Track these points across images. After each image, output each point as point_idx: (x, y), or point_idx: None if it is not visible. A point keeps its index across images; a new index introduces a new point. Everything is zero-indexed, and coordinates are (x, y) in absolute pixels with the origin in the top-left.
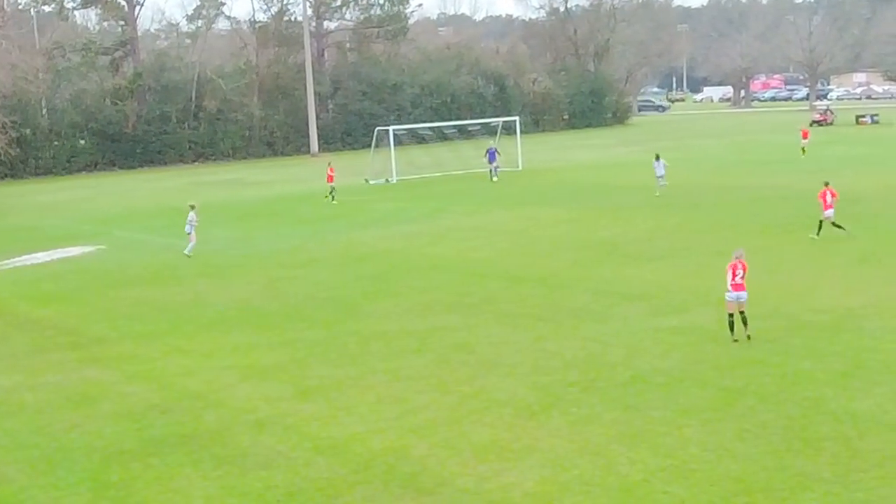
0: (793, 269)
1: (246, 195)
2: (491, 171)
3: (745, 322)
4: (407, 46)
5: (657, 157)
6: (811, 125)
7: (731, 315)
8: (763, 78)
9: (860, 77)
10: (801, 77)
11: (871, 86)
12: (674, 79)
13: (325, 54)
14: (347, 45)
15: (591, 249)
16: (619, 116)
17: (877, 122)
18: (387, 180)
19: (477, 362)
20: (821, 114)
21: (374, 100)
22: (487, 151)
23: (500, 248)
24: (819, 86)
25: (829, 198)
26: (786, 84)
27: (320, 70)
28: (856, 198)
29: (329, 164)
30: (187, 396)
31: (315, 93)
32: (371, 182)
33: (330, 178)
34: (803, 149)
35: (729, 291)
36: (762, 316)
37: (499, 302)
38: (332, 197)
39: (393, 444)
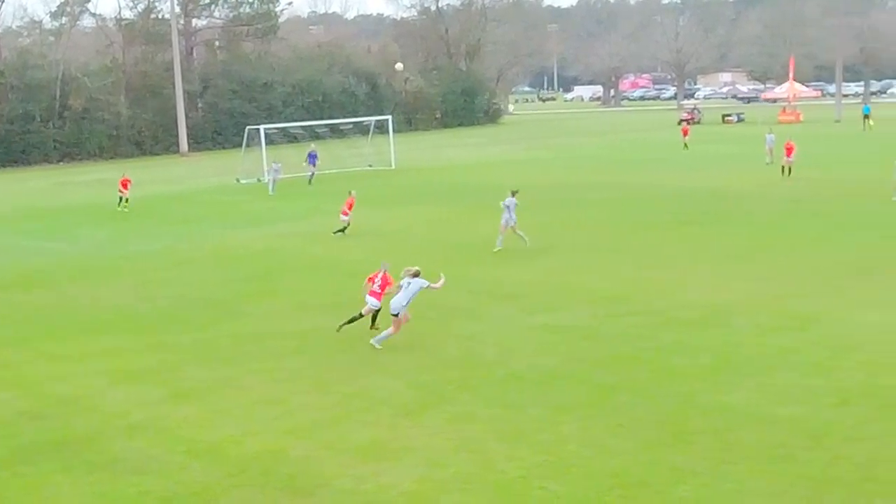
0: (662, 266)
1: (115, 195)
2: (310, 177)
3: (373, 321)
4: (277, 45)
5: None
6: (679, 124)
7: (362, 315)
8: (632, 77)
9: (726, 77)
10: (669, 77)
11: (737, 85)
12: (545, 78)
13: (194, 52)
14: (217, 43)
15: (465, 248)
16: (492, 115)
17: (742, 121)
18: (258, 180)
19: (355, 362)
20: (688, 112)
21: (245, 98)
22: (308, 155)
23: (374, 247)
24: (686, 85)
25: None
26: (654, 83)
27: (189, 68)
28: (725, 195)
29: (350, 193)
30: (58, 402)
31: (184, 91)
32: (242, 181)
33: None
34: (685, 144)
35: (367, 296)
36: (634, 312)
37: None
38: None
39: (270, 446)
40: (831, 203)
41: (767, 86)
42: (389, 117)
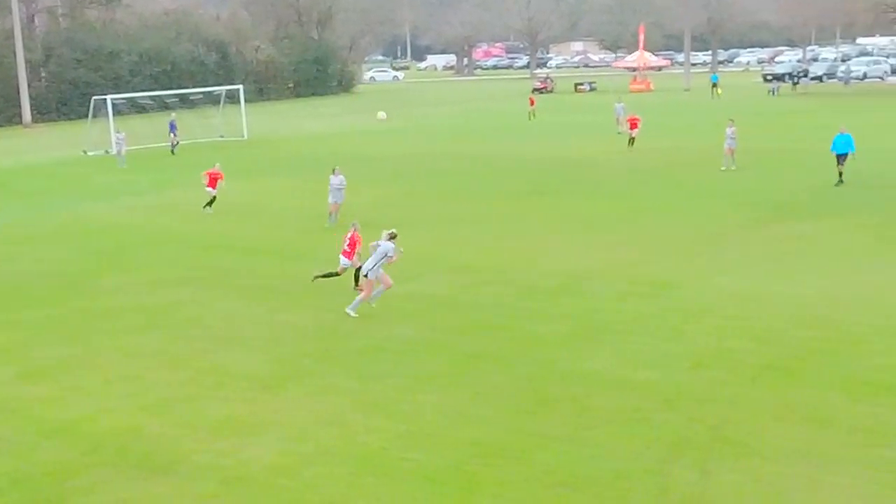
0: (522, 236)
1: None
2: (173, 146)
3: (356, 281)
4: (123, 12)
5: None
6: (533, 93)
7: (337, 273)
8: (485, 46)
9: (578, 46)
10: (522, 45)
11: (589, 54)
12: (398, 47)
13: (36, 20)
14: (59, 10)
15: (321, 220)
16: (345, 85)
17: (594, 90)
18: (106, 151)
19: (211, 337)
20: (541, 81)
21: (90, 68)
22: (170, 124)
23: (229, 220)
24: (539, 54)
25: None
26: (507, 52)
27: (31, 37)
28: (580, 164)
29: (215, 165)
30: None
31: (26, 61)
32: (90, 153)
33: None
34: (531, 114)
35: (340, 255)
36: (494, 282)
37: (231, 275)
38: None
39: (125, 423)
40: (680, 171)
41: (618, 55)
42: (240, 87)
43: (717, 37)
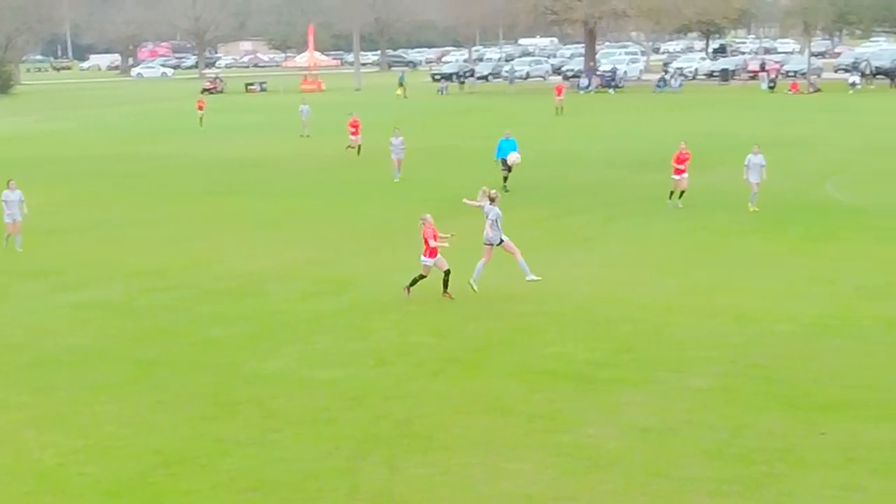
0: (196, 238)
1: None
2: None
3: (445, 286)
4: None
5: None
6: (203, 93)
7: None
8: (151, 46)
9: (247, 45)
10: (189, 45)
11: (258, 54)
12: (58, 46)
13: None
14: None
15: None
16: (2, 86)
17: (265, 90)
18: None
19: None
20: (210, 81)
21: None
22: None
23: None
24: (207, 54)
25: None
26: (174, 52)
27: None
28: (255, 164)
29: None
30: None
31: None
32: None
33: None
34: (201, 119)
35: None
36: (170, 286)
37: None
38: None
39: None
40: (359, 169)
41: (288, 55)
42: None
43: (386, 37)
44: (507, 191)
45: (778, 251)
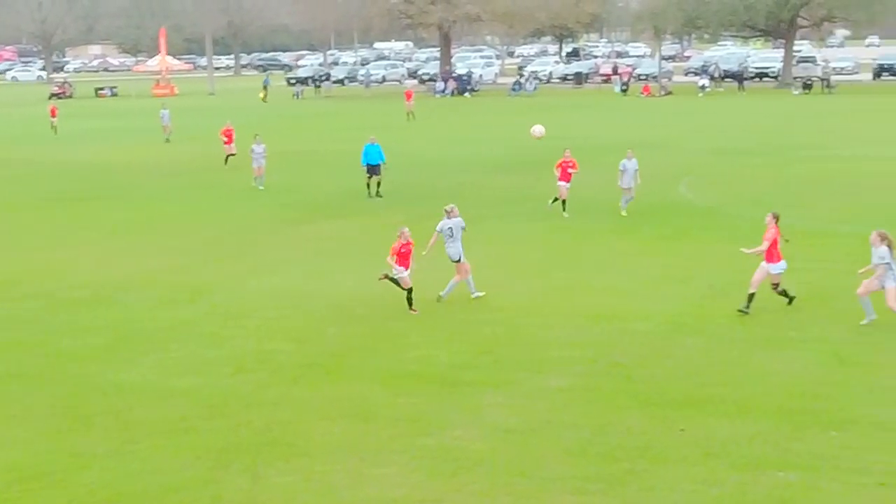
0: (48, 247)
1: None
2: None
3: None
4: None
5: None
6: (51, 98)
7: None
8: None
9: (96, 49)
10: (36, 49)
11: (108, 58)
12: None
13: None
14: None
15: None
16: None
17: (116, 95)
18: None
19: None
20: (59, 86)
21: None
22: None
23: None
24: (55, 58)
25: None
26: (20, 56)
27: None
28: (108, 170)
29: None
30: None
31: None
32: None
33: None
34: (55, 128)
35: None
36: (22, 296)
37: None
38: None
39: None
40: (216, 175)
41: (139, 58)
42: None
43: (239, 41)
44: (378, 196)
45: (634, 251)
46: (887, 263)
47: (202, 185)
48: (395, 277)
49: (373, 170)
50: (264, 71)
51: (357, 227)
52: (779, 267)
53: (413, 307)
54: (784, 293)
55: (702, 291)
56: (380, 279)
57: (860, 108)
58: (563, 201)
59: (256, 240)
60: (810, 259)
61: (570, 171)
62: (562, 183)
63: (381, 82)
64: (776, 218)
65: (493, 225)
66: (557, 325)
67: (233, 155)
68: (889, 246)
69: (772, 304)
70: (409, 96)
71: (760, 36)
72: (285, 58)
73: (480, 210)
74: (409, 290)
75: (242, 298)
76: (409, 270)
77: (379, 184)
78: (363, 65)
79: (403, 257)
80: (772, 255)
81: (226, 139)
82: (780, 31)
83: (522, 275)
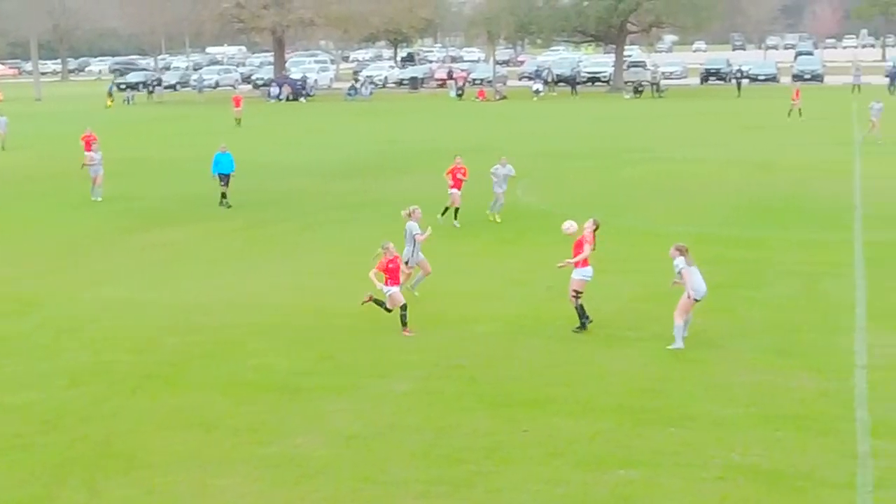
0: None
1: None
2: None
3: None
4: None
5: None
6: None
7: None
8: None
9: None
10: None
11: None
12: None
13: None
14: None
15: None
16: None
17: None
18: None
19: None
20: None
21: None
22: None
23: None
24: None
25: None
26: None
27: None
28: None
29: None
30: None
31: None
32: None
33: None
34: None
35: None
36: None
37: None
38: None
39: None
40: (45, 183)
41: None
42: None
43: (66, 45)
44: (228, 206)
45: (473, 254)
46: (681, 271)
47: (36, 195)
48: (383, 299)
49: (224, 178)
50: (121, 75)
51: (195, 235)
52: (584, 273)
53: (407, 328)
54: (581, 309)
55: (540, 294)
56: (364, 302)
57: (688, 112)
58: (456, 209)
59: (91, 250)
60: (645, 259)
61: (459, 177)
62: (453, 191)
63: (214, 87)
64: (597, 225)
65: (333, 230)
66: (398, 330)
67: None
68: (683, 255)
69: (607, 306)
70: (237, 102)
71: (591, 41)
72: (145, 62)
73: (319, 215)
74: (404, 307)
75: (77, 310)
76: (399, 287)
77: (225, 194)
78: (196, 70)
79: (393, 273)
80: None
81: (85, 145)
82: (610, 36)
83: (362, 280)
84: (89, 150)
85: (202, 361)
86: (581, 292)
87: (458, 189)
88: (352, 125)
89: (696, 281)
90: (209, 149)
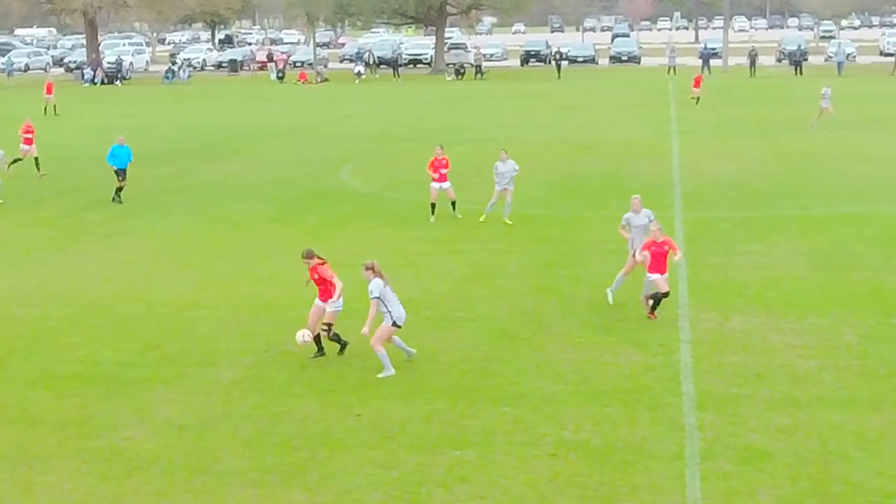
0: None
1: None
2: None
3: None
4: None
5: None
6: None
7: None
8: None
9: None
10: None
11: None
12: None
13: None
14: None
15: None
16: None
17: None
18: None
19: None
20: None
21: None
22: None
23: None
24: None
25: None
26: None
27: None
28: None
29: None
30: None
31: None
32: None
33: None
34: None
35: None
36: None
37: None
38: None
39: None
40: None
41: None
42: None
43: None
44: (121, 202)
45: (297, 239)
46: (377, 298)
47: None
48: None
49: (121, 173)
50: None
51: (7, 224)
52: (334, 305)
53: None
54: (337, 338)
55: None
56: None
57: (510, 93)
58: (453, 202)
59: None
60: (472, 240)
61: (443, 170)
62: (435, 185)
63: (24, 71)
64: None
65: (152, 217)
66: (224, 317)
67: (23, 158)
68: (379, 276)
69: (436, 286)
70: (49, 89)
71: (412, 23)
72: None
73: (138, 202)
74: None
75: None
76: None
77: (122, 188)
78: (4, 53)
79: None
80: (327, 292)
81: (26, 137)
82: (430, 18)
83: (185, 267)
84: (29, 143)
85: (22, 355)
86: (330, 326)
87: (445, 182)
88: (170, 109)
89: (395, 307)
90: (18, 137)
